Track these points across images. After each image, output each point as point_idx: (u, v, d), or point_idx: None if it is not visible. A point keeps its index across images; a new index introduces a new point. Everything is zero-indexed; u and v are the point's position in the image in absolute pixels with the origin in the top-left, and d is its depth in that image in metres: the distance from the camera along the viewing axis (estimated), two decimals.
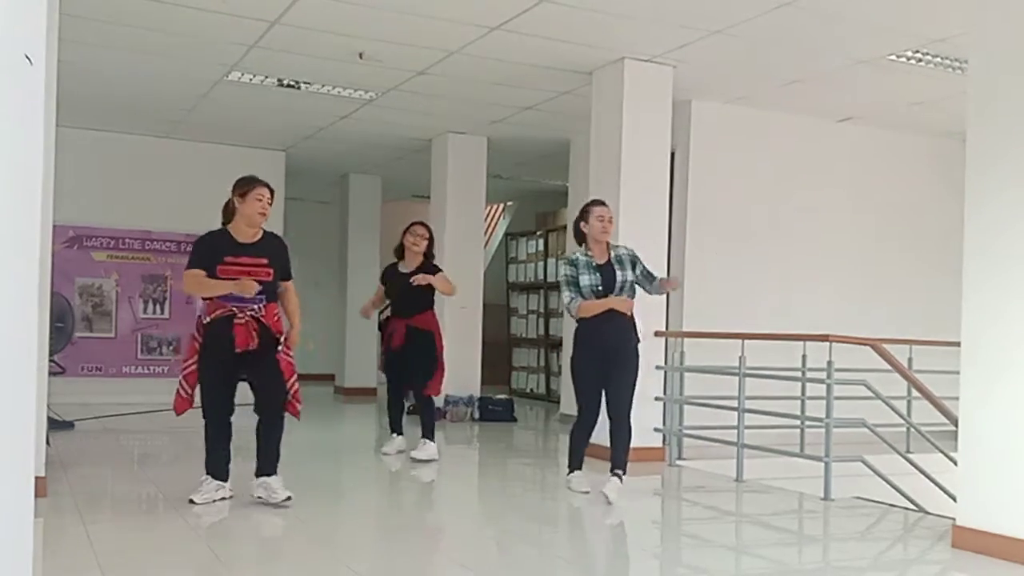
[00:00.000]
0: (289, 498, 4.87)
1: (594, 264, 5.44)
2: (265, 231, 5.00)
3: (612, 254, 5.51)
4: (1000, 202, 4.34)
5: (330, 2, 5.94)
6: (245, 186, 4.92)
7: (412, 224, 6.87)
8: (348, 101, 8.44)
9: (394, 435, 6.87)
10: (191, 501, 4.83)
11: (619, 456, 5.47)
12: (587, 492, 5.53)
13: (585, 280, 5.40)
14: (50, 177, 4.82)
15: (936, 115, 8.26)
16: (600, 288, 5.39)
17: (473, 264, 10.14)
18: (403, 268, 6.75)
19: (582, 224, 5.53)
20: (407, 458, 6.70)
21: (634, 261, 5.55)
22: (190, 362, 4.91)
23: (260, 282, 4.80)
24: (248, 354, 4.77)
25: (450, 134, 9.81)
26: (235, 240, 4.88)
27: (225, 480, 4.96)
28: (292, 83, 7.90)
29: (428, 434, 6.68)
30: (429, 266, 6.74)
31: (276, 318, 4.94)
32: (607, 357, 5.45)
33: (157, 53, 7.14)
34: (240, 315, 4.76)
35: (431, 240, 6.79)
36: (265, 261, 4.88)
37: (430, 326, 6.73)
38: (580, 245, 5.59)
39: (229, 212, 4.99)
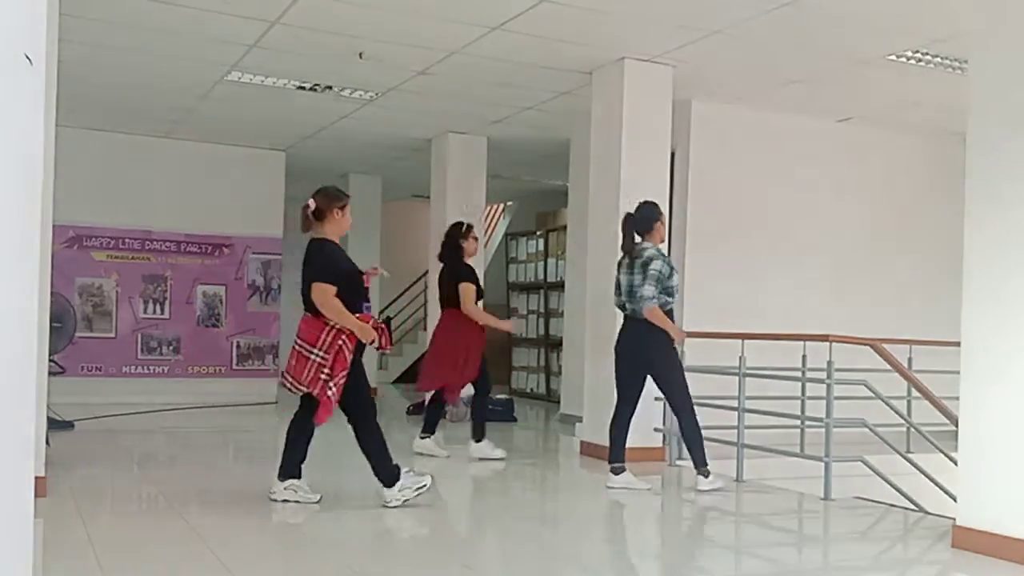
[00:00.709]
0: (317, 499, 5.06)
1: None
2: None
3: None
4: (1000, 202, 4.34)
5: (330, 2, 5.94)
6: (343, 200, 5.01)
7: (469, 227, 7.14)
8: (348, 101, 8.44)
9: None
10: (419, 488, 5.03)
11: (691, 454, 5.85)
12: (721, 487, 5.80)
13: (676, 279, 5.66)
14: (50, 177, 4.83)
15: (936, 115, 8.27)
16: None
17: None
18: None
19: (660, 226, 5.79)
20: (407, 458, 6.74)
21: None
22: (342, 375, 4.77)
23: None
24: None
25: (450, 134, 9.81)
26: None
27: None
28: (291, 81, 7.91)
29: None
30: None
31: None
32: None
33: (157, 53, 7.14)
34: (376, 325, 4.92)
35: None
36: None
37: None
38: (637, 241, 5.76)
39: (307, 220, 4.94)
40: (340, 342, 4.74)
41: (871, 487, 5.97)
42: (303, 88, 8.04)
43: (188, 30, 6.55)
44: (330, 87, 8.01)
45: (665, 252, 5.74)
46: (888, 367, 6.03)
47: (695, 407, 5.75)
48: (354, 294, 4.81)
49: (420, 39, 6.63)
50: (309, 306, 4.79)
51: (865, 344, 6.05)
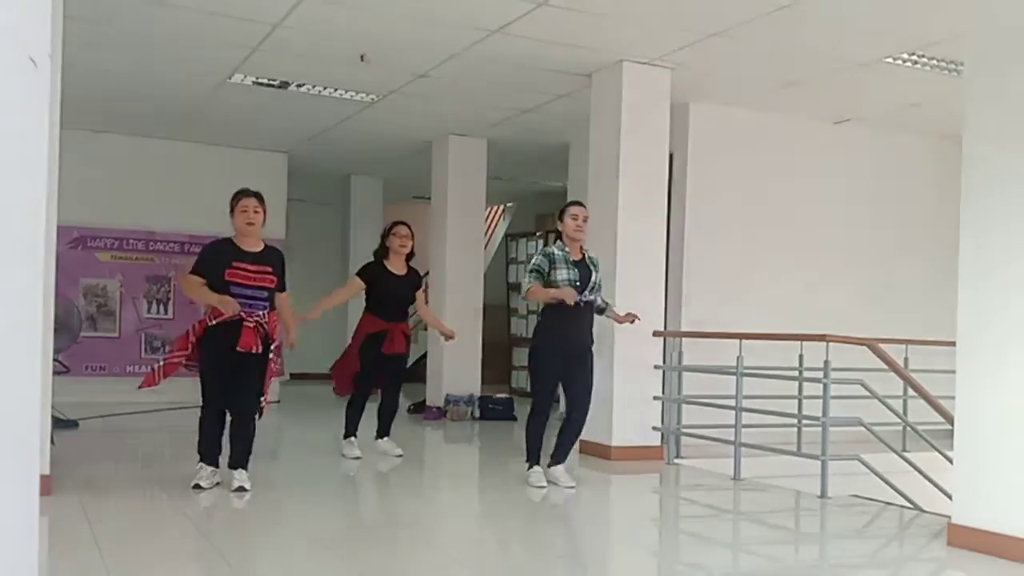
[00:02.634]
0: (242, 488, 5.15)
1: (571, 259, 5.63)
2: (266, 244, 5.28)
3: (585, 254, 5.73)
4: (995, 203, 4.37)
5: (332, 5, 5.98)
6: (232, 201, 5.23)
7: (395, 224, 6.67)
8: (350, 103, 8.48)
9: (354, 439, 6.70)
10: (197, 487, 5.20)
11: (568, 450, 5.80)
12: (544, 487, 5.67)
13: (563, 274, 5.58)
14: (54, 178, 4.87)
15: (933, 117, 8.30)
16: (579, 283, 5.59)
17: (473, 265, 10.18)
18: (393, 270, 6.55)
19: (559, 223, 5.76)
20: (403, 458, 6.77)
21: (597, 264, 5.79)
22: (177, 354, 5.15)
23: (264, 288, 5.14)
24: (245, 356, 5.03)
25: (451, 136, 9.85)
26: (240, 248, 5.16)
27: (217, 465, 5.32)
28: (293, 84, 7.95)
29: (388, 432, 6.82)
30: (412, 271, 6.67)
31: (275, 325, 5.20)
32: (571, 355, 5.66)
33: (160, 56, 7.19)
34: (248, 320, 5.04)
35: (413, 240, 6.65)
36: (269, 269, 5.16)
37: (409, 332, 6.80)
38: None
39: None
40: (189, 329, 5.21)
41: (867, 485, 6.00)
42: (308, 89, 8.08)
43: (191, 33, 6.59)
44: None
45: (554, 248, 5.72)
46: (885, 366, 6.07)
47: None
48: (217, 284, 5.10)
49: (421, 42, 6.67)
50: None
51: (862, 344, 6.08)
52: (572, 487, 5.68)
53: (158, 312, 10.50)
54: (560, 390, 5.94)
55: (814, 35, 6.30)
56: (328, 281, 13.33)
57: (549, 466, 5.77)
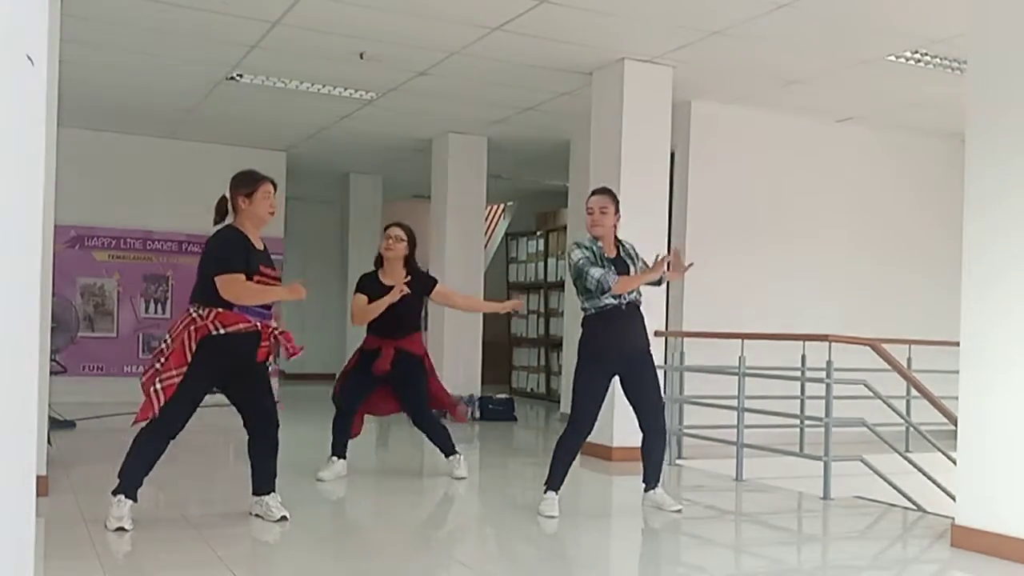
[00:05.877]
0: (285, 518, 4.55)
1: (604, 256, 4.92)
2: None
3: (620, 249, 5.04)
4: (999, 203, 4.34)
5: (331, 3, 5.95)
6: (250, 184, 4.49)
7: (388, 226, 5.87)
8: (349, 101, 8.45)
9: (336, 459, 5.90)
10: (120, 529, 4.25)
11: (658, 470, 5.15)
12: (555, 516, 4.90)
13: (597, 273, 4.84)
14: (52, 177, 4.84)
15: (935, 116, 8.28)
16: None
17: (474, 264, 10.15)
18: (384, 279, 5.73)
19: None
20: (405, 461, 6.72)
21: (636, 255, 5.11)
22: (176, 372, 4.32)
23: None
24: (248, 368, 4.44)
25: (450, 134, 9.82)
26: (256, 248, 4.47)
27: (137, 499, 4.40)
28: (292, 82, 7.91)
29: (453, 450, 6.06)
30: (414, 276, 5.74)
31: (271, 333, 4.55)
32: (620, 362, 4.95)
33: (158, 54, 7.16)
34: (264, 331, 4.40)
35: (412, 243, 5.77)
36: (278, 273, 4.52)
37: (419, 349, 5.88)
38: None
39: (223, 211, 4.58)
40: (185, 341, 4.33)
41: (870, 486, 5.98)
42: (307, 87, 8.04)
43: (189, 31, 6.56)
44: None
45: (586, 240, 4.99)
46: (887, 367, 6.04)
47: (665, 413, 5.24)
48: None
49: (420, 40, 6.64)
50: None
51: (864, 344, 6.05)
52: (678, 510, 5.09)
53: (156, 312, 10.48)
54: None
55: (816, 33, 6.27)
56: (327, 281, 13.33)
57: (645, 491, 5.16)
